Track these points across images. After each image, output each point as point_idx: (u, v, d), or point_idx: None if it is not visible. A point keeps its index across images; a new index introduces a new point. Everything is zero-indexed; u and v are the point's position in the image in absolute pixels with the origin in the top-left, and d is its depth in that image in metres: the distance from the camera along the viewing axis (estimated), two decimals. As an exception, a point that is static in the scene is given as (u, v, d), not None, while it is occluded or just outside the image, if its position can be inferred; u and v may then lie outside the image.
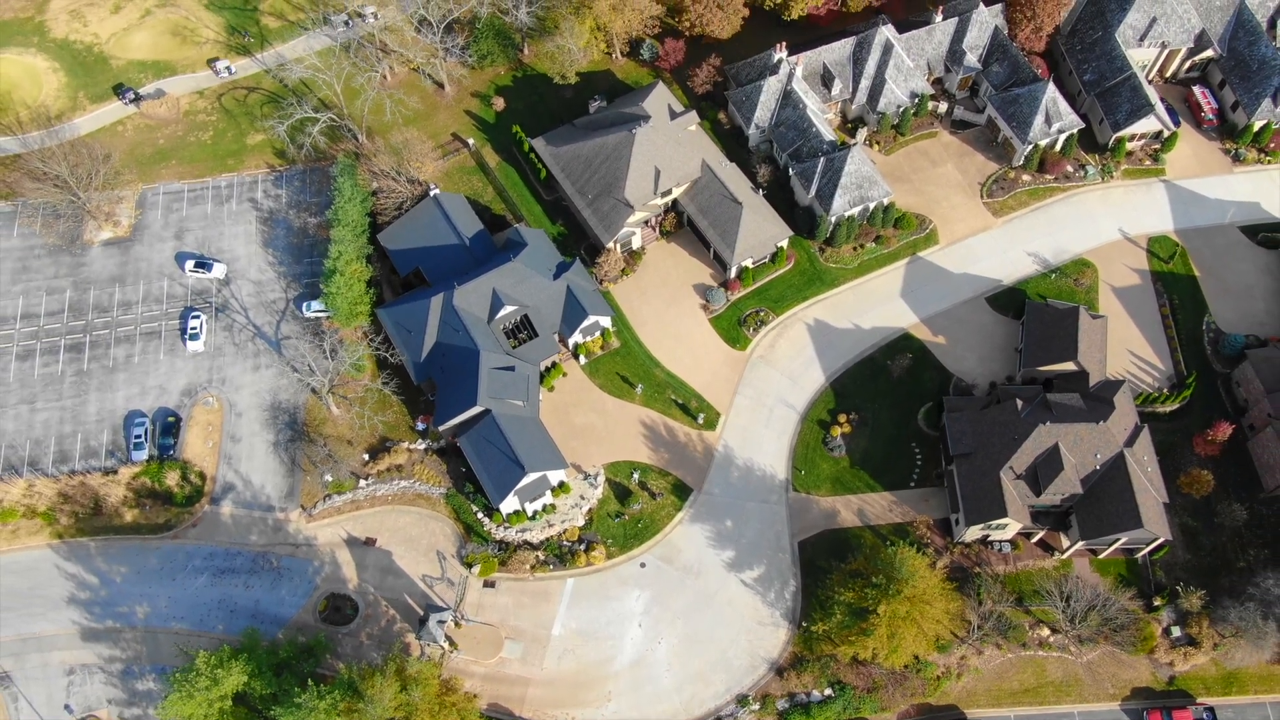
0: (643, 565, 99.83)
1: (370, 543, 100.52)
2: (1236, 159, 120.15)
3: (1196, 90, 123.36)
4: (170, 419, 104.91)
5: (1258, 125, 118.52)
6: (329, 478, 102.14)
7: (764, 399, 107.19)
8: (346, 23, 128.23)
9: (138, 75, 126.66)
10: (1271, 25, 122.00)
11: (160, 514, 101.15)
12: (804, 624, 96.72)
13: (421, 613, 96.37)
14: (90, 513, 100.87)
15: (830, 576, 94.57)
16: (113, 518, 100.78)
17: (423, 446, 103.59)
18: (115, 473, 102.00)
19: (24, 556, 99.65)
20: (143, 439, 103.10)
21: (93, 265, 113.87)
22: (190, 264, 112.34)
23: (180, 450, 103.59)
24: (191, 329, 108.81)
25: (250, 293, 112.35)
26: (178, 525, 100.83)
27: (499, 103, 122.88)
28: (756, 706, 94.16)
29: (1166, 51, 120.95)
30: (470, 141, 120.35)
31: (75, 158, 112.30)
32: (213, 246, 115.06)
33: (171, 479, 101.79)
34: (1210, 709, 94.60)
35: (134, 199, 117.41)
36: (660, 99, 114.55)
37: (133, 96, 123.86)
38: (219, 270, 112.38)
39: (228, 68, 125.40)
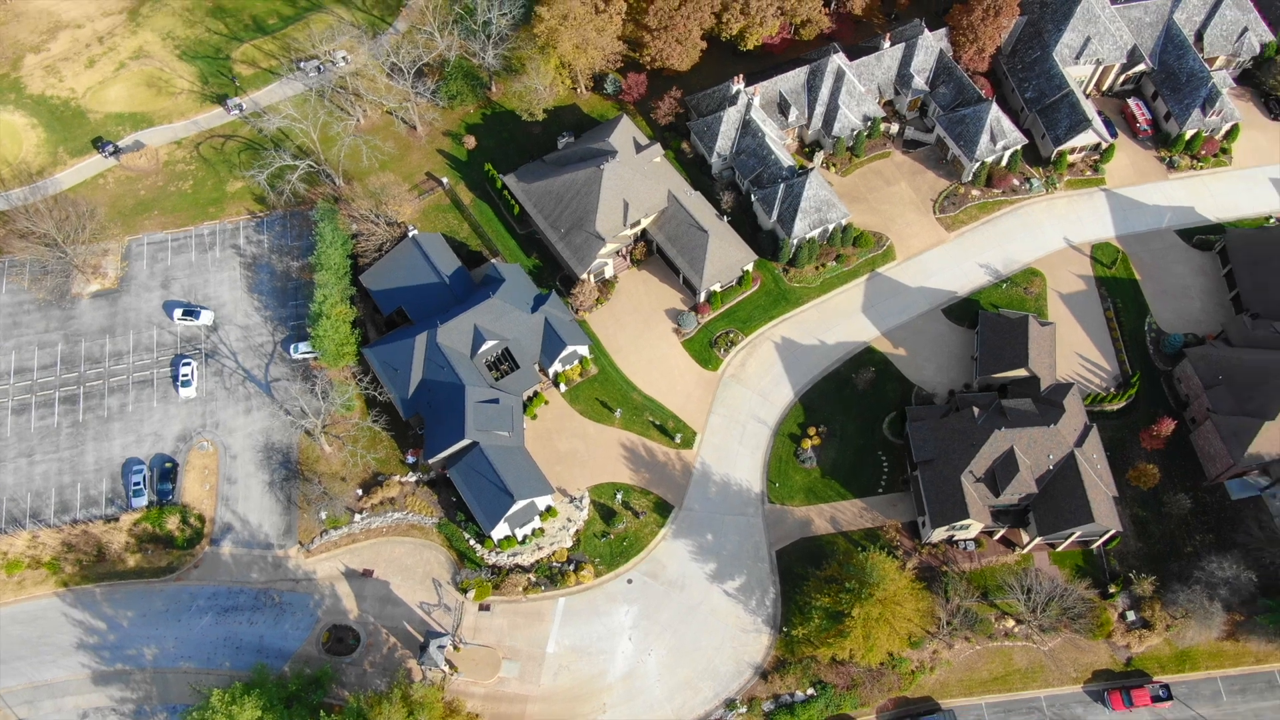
0: (630, 581, 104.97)
1: (368, 574, 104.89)
2: (1171, 166, 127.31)
3: (1131, 103, 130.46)
4: (167, 465, 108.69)
5: (1189, 134, 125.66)
6: (324, 514, 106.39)
7: (737, 416, 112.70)
8: (319, 69, 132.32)
9: (115, 128, 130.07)
10: (1198, 39, 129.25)
11: (162, 557, 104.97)
12: (784, 629, 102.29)
13: (421, 639, 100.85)
14: (94, 560, 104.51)
15: (807, 583, 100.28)
16: (116, 563, 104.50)
17: (414, 479, 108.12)
18: (116, 520, 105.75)
19: (31, 606, 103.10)
20: (141, 485, 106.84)
21: (82, 318, 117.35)
22: (178, 312, 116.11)
23: (179, 495, 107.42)
24: (183, 375, 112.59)
25: (238, 337, 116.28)
26: (180, 567, 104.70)
27: (470, 141, 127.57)
28: (744, 709, 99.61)
29: (1101, 68, 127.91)
30: (445, 180, 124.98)
31: (61, 213, 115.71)
32: (199, 294, 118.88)
33: (172, 523, 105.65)
34: (1165, 686, 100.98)
35: (119, 251, 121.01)
36: (625, 132, 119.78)
37: (112, 149, 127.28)
38: (207, 317, 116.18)
39: (239, 105, 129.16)
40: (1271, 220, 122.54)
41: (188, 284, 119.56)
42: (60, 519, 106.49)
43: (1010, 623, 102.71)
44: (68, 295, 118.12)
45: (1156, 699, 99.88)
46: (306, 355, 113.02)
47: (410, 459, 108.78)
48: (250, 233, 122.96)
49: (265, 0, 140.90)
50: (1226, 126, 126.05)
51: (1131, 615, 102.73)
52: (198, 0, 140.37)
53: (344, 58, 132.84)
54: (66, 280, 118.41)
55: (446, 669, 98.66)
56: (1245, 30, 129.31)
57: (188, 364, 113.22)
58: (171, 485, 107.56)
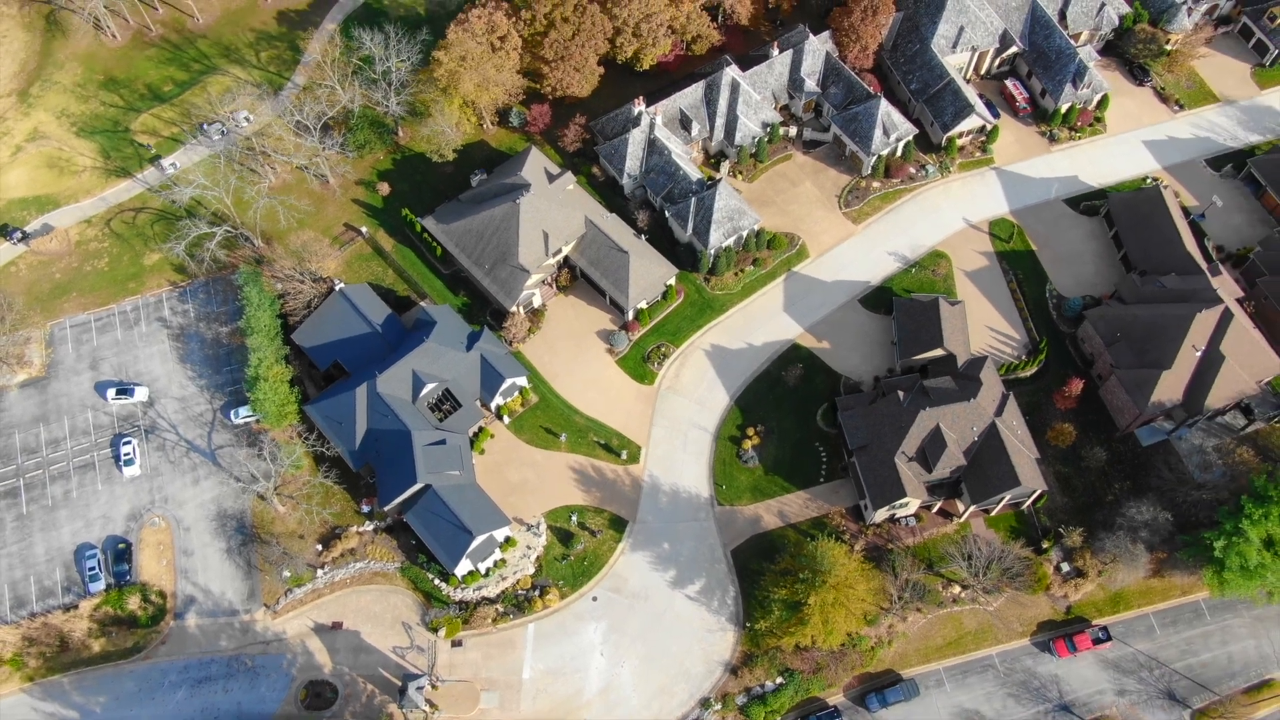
0: (595, 599, 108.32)
1: (337, 626, 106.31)
2: (1052, 139, 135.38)
3: (1009, 83, 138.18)
4: (121, 545, 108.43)
5: (1064, 107, 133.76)
6: (286, 573, 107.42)
7: (678, 426, 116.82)
8: (222, 131, 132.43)
9: (20, 213, 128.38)
10: (1062, 17, 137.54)
11: (127, 638, 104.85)
12: (748, 624, 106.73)
13: (399, 682, 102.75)
14: (57, 650, 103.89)
15: (764, 577, 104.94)
16: (81, 651, 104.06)
17: (371, 528, 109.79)
18: (76, 607, 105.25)
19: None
20: (97, 570, 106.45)
21: (12, 410, 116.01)
22: (111, 392, 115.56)
23: (136, 574, 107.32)
24: (125, 455, 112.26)
25: (176, 410, 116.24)
26: (147, 646, 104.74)
27: (384, 188, 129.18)
28: (719, 706, 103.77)
29: (977, 54, 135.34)
30: (364, 229, 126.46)
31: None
32: (130, 371, 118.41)
33: (133, 603, 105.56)
34: (1104, 628, 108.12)
35: (42, 338, 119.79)
36: (536, 163, 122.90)
37: (20, 235, 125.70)
38: (141, 393, 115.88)
39: (173, 164, 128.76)
40: (1148, 181, 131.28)
41: (117, 362, 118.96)
42: (17, 614, 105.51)
43: (956, 589, 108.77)
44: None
45: (1097, 641, 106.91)
46: (248, 419, 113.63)
47: (365, 508, 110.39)
48: (174, 303, 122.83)
49: (158, 68, 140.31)
50: (1097, 97, 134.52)
51: (1065, 567, 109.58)
52: (88, 75, 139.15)
53: (246, 118, 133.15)
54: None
55: (427, 709, 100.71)
56: (1104, 5, 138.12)
57: (128, 442, 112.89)
58: (128, 565, 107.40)
